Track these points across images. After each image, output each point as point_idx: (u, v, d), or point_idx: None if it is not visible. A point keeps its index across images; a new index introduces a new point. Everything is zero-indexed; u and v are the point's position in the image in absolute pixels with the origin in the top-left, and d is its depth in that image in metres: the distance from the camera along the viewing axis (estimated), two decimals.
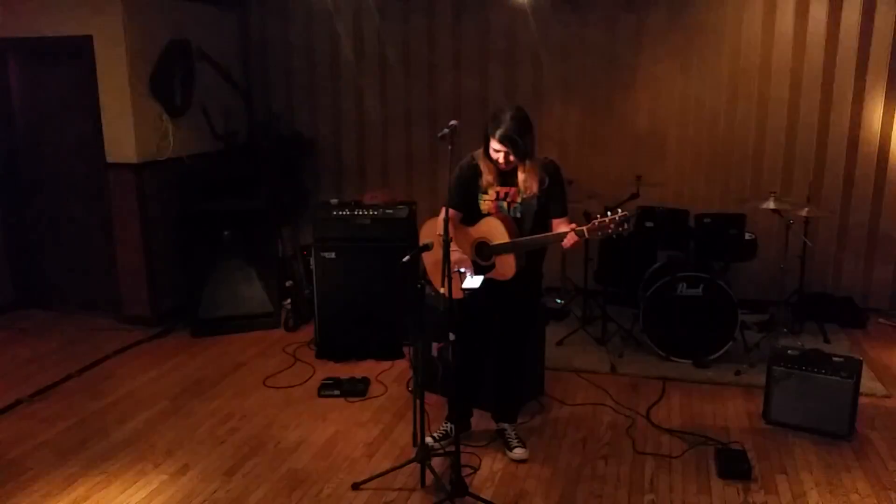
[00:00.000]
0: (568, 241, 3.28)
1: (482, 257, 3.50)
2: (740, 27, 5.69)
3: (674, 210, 5.39)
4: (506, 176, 3.48)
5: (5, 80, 5.86)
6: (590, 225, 3.22)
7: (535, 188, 3.44)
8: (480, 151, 3.50)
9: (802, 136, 5.72)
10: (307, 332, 5.43)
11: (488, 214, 3.49)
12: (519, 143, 3.34)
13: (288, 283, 5.72)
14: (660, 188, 5.84)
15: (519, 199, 3.47)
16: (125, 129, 5.46)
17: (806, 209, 4.88)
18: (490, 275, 3.48)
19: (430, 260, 3.62)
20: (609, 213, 3.22)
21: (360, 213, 5.01)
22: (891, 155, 5.59)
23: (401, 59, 6.40)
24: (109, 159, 5.56)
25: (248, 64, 6.72)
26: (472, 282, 3.41)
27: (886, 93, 5.51)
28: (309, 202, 6.33)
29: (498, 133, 3.34)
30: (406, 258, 3.36)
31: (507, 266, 3.44)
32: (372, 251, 4.93)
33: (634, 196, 5.26)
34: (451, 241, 3.23)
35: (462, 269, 3.39)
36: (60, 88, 5.74)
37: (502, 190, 3.49)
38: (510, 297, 3.59)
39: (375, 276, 4.90)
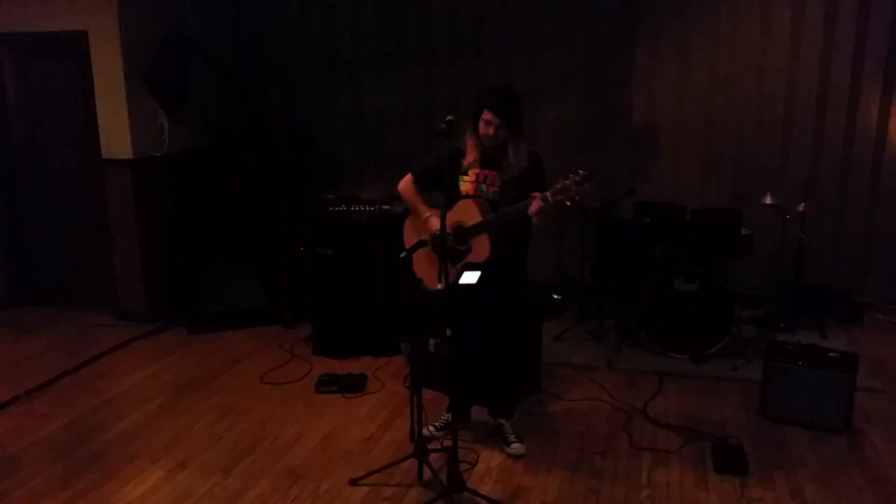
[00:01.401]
0: (534, 209, 3.24)
1: (459, 242, 3.48)
2: (736, 22, 5.68)
3: (670, 205, 5.39)
4: (488, 159, 3.47)
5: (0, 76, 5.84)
6: (552, 189, 3.20)
7: (524, 165, 3.42)
8: (468, 130, 3.48)
9: (799, 131, 5.72)
10: (304, 328, 5.43)
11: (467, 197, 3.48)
12: (513, 112, 3.36)
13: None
14: (656, 184, 5.85)
15: (498, 183, 3.46)
16: (121, 125, 5.45)
17: (802, 204, 4.89)
18: (469, 258, 3.45)
19: (420, 255, 3.59)
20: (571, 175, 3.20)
21: (357, 208, 5.00)
22: (887, 149, 5.60)
23: (397, 54, 6.39)
24: (105, 155, 5.55)
25: (244, 59, 6.70)
26: (469, 277, 3.40)
27: (882, 87, 5.51)
28: (305, 198, 6.31)
29: (491, 102, 3.35)
30: (403, 254, 3.36)
31: (482, 247, 3.41)
32: (369, 247, 4.92)
33: (631, 191, 5.26)
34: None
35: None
36: (55, 84, 5.72)
37: (482, 172, 3.48)
38: (493, 291, 3.54)
39: (372, 271, 4.89)
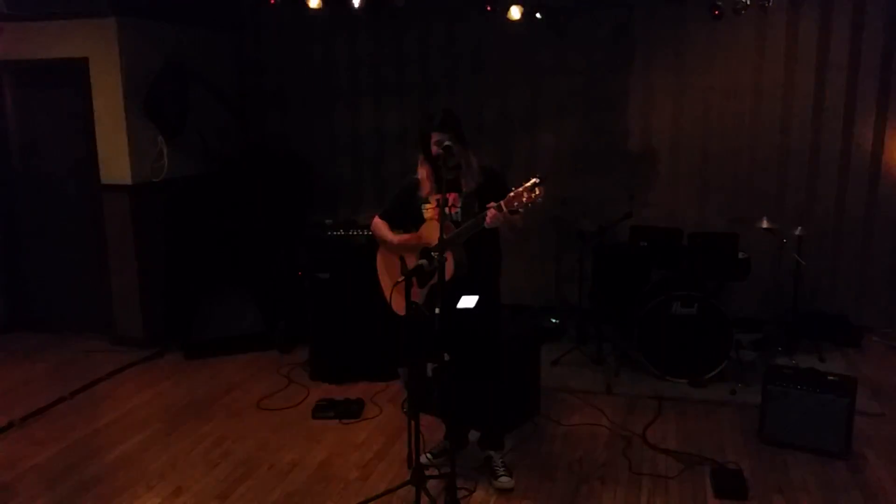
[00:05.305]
0: (489, 219, 3.26)
1: (429, 263, 3.48)
2: (732, 48, 5.74)
3: (667, 229, 5.40)
4: (446, 184, 3.50)
5: (0, 102, 5.87)
6: (506, 198, 3.23)
7: (478, 178, 3.49)
8: (419, 163, 3.57)
9: (795, 155, 5.76)
10: (302, 353, 5.41)
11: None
12: (457, 126, 3.46)
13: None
14: (653, 207, 5.87)
15: (460, 203, 3.51)
16: (120, 151, 5.47)
17: (799, 228, 4.90)
18: (434, 279, 3.44)
19: (386, 279, 3.69)
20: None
21: (355, 233, 5.01)
22: (882, 172, 5.63)
23: (395, 80, 6.45)
24: (104, 181, 5.57)
25: (243, 86, 6.75)
26: (467, 301, 3.40)
27: (876, 110, 5.56)
28: (303, 222, 6.33)
29: (436, 123, 3.45)
30: (400, 279, 3.36)
31: (447, 266, 3.41)
32: (366, 271, 4.91)
33: (628, 215, 5.28)
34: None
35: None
36: (55, 110, 5.75)
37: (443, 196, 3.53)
38: (465, 321, 3.50)
39: (370, 296, 4.87)
